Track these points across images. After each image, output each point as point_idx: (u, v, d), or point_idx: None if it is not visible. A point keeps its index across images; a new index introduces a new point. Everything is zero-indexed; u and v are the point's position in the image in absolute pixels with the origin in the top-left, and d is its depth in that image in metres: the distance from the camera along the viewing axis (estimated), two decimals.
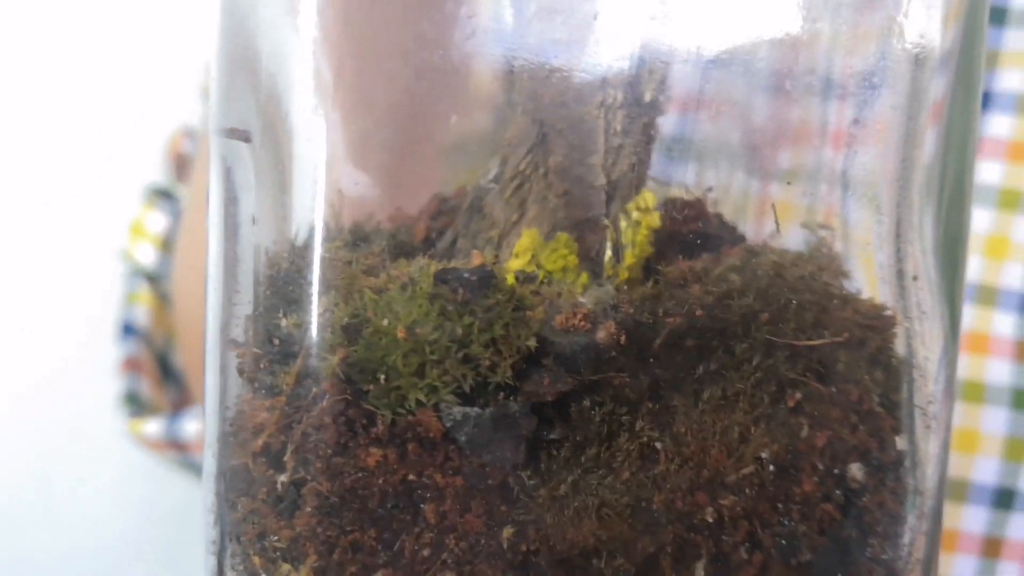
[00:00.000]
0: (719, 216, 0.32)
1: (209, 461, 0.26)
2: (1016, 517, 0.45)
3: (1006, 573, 0.46)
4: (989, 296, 0.45)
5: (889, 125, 0.28)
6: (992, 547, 0.46)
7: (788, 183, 0.27)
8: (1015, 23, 0.46)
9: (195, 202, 0.66)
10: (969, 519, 0.46)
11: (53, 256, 0.84)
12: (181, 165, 0.73)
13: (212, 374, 0.26)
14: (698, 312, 0.25)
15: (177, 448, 0.64)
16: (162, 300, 0.70)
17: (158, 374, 0.70)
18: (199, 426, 0.62)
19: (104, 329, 0.70)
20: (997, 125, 0.47)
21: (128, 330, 0.69)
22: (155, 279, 0.70)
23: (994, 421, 0.45)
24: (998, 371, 0.45)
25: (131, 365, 0.68)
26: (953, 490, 0.46)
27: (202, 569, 0.27)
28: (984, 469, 0.45)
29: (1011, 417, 0.45)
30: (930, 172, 0.27)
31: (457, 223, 0.32)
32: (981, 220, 0.46)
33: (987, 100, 0.47)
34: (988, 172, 0.46)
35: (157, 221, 0.71)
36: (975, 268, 0.46)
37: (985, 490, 0.46)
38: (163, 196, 0.72)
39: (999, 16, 0.48)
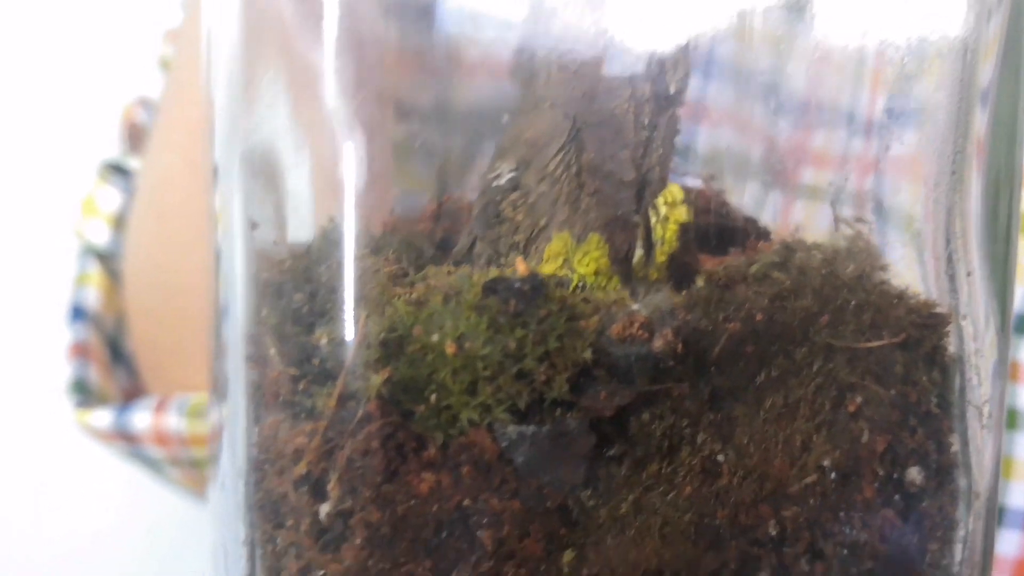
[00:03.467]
0: (737, 208, 0.31)
1: (238, 490, 0.24)
2: None
3: None
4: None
5: (935, 112, 0.27)
6: None
7: (847, 173, 0.26)
8: None
9: (148, 177, 0.63)
10: (1004, 543, 0.46)
11: (7, 237, 0.80)
12: (135, 136, 0.69)
13: (239, 395, 0.25)
14: (758, 317, 0.24)
15: (126, 440, 0.61)
16: (113, 279, 0.67)
17: (107, 359, 0.67)
18: (150, 419, 0.59)
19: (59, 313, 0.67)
20: None
21: (77, 313, 0.66)
22: (107, 258, 0.67)
23: None
24: None
25: (79, 351, 0.64)
26: None
27: None
28: (1019, 494, 0.45)
29: None
30: (979, 160, 0.26)
31: (472, 227, 0.30)
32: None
33: None
34: None
35: (110, 197, 0.67)
36: (1016, 297, 0.45)
37: (1019, 515, 0.46)
38: (116, 171, 0.69)
39: None
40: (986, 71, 0.26)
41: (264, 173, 0.25)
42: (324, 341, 0.24)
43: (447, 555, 0.23)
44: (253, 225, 0.26)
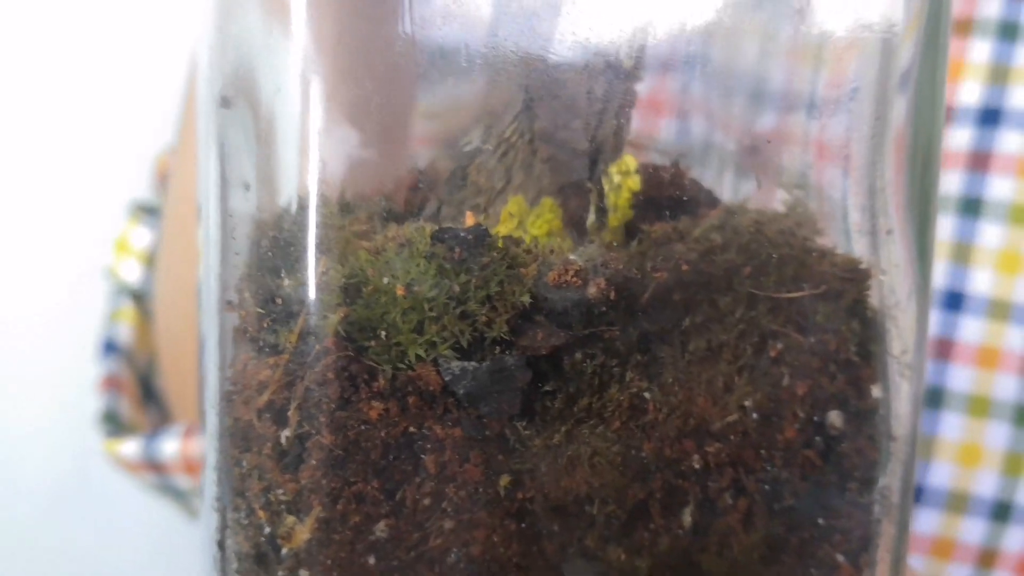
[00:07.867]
0: (695, 181, 0.33)
1: (212, 420, 0.27)
2: (1012, 530, 0.47)
3: None
4: (1002, 311, 0.46)
5: (860, 93, 0.29)
6: (987, 558, 0.47)
7: (768, 141, 0.28)
8: None
9: (173, 215, 0.65)
10: (966, 530, 0.47)
11: (39, 272, 0.83)
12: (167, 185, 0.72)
13: (211, 335, 0.27)
14: (684, 267, 0.26)
15: (155, 470, 0.62)
16: (146, 319, 0.69)
17: (139, 395, 0.69)
18: (179, 445, 0.60)
19: (89, 347, 0.70)
20: (1009, 142, 0.47)
21: (110, 347, 0.68)
22: (140, 296, 0.69)
23: (996, 436, 0.46)
24: (1005, 386, 0.46)
25: (111, 383, 0.66)
26: (953, 502, 0.47)
27: (203, 527, 0.28)
28: (984, 482, 0.47)
29: (1012, 433, 0.46)
30: (898, 137, 0.28)
31: (440, 192, 0.32)
32: (993, 235, 0.47)
33: (999, 117, 0.48)
34: (1000, 188, 0.47)
35: (142, 236, 0.70)
36: (988, 283, 0.46)
37: (983, 503, 0.47)
38: (148, 212, 0.71)
39: (1011, 32, 0.48)
40: (906, 54, 0.28)
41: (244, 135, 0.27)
42: (288, 285, 0.26)
43: (393, 476, 0.25)
44: (246, 186, 0.29)
